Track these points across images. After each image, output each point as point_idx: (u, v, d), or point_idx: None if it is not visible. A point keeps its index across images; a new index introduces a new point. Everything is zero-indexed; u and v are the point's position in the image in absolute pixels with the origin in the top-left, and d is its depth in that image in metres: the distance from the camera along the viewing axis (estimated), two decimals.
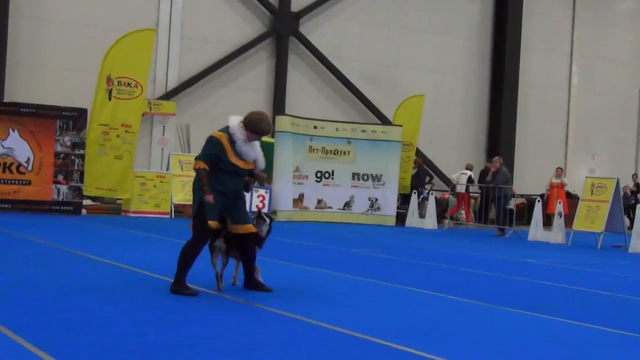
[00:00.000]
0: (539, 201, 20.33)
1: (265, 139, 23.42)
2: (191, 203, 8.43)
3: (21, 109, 19.46)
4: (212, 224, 7.98)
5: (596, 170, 30.11)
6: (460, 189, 25.27)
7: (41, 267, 9.80)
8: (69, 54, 23.55)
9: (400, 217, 23.26)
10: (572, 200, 25.27)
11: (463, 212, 25.33)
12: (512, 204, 21.96)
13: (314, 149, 22.53)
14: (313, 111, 25.17)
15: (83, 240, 13.72)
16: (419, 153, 26.60)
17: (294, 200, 22.09)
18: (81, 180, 19.84)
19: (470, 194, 25.99)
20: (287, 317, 7.14)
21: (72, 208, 19.69)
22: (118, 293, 7.99)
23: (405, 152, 24.54)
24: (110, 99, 20.21)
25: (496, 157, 22.67)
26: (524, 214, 25.80)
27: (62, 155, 19.66)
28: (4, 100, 21.10)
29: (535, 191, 27.22)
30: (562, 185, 25.69)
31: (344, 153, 22.82)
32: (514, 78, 29.79)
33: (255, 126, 8.12)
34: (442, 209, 24.30)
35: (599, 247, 18.10)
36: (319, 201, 22.59)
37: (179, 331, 6.30)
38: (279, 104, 26.10)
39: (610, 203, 18.39)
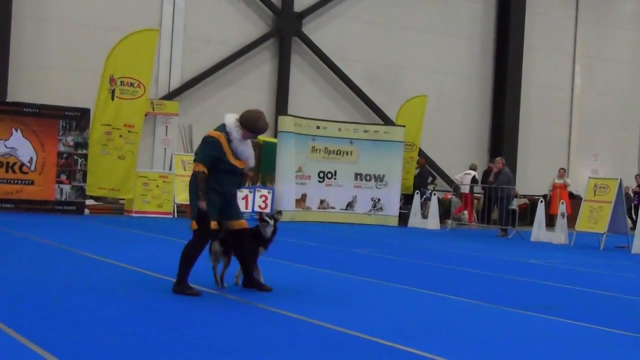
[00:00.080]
0: (541, 202, 20.31)
1: (267, 138, 23.55)
2: None
3: (24, 109, 19.48)
4: (213, 224, 7.98)
5: (599, 171, 30.07)
6: (464, 189, 25.26)
7: (44, 267, 9.81)
8: (71, 54, 23.57)
9: (403, 218, 23.24)
10: (574, 200, 25.25)
11: (466, 212, 25.31)
12: (515, 204, 21.95)
13: (316, 149, 22.52)
14: (316, 111, 25.17)
15: (85, 240, 13.73)
16: (421, 153, 26.60)
17: (297, 201, 22.09)
18: (84, 180, 19.87)
19: (474, 195, 25.96)
20: (289, 317, 7.15)
21: (74, 208, 19.71)
22: (120, 293, 8.00)
23: (407, 152, 24.53)
24: (113, 99, 20.24)
25: (498, 158, 22.66)
26: (527, 214, 25.75)
27: (64, 155, 19.68)
28: (7, 100, 21.12)
29: (538, 192, 27.20)
30: (565, 185, 25.66)
31: (347, 153, 22.82)
32: (516, 78, 29.77)
33: (252, 125, 8.10)
34: (444, 209, 24.28)
35: (601, 248, 18.08)
36: (322, 201, 22.58)
37: (180, 331, 6.31)
38: (281, 104, 26.11)
39: (613, 204, 18.37)
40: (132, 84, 20.38)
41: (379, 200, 22.96)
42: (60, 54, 23.52)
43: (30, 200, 19.25)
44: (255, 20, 26.29)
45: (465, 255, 14.81)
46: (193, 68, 25.24)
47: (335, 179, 22.72)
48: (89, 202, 20.78)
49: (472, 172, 25.78)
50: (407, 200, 24.40)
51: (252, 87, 26.15)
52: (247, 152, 8.16)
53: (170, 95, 24.81)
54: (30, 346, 5.48)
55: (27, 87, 22.83)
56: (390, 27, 28.24)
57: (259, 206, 21.35)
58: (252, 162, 8.27)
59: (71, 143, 19.74)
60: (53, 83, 23.18)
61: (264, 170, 22.96)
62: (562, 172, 26.12)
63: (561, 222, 19.36)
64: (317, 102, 26.89)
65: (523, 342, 6.70)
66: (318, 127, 22.64)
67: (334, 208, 22.70)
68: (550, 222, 21.73)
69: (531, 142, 30.46)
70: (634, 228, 18.80)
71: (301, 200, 22.23)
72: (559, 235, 19.18)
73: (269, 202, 21.59)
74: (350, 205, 22.84)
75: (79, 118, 19.85)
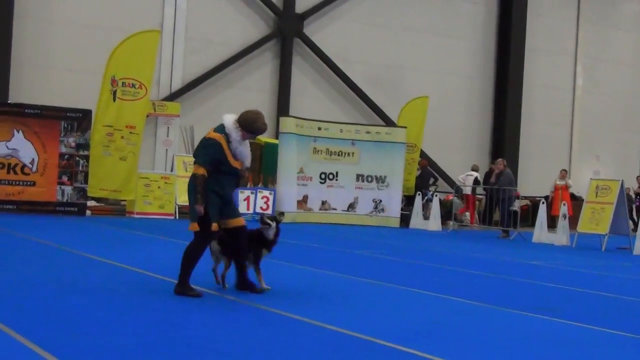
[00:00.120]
0: (543, 203, 20.30)
1: (269, 139, 23.55)
2: None
3: (26, 110, 19.47)
4: (215, 226, 7.98)
5: (600, 172, 30.07)
6: (466, 190, 25.24)
7: (45, 268, 9.81)
8: (73, 55, 23.60)
9: (405, 219, 23.23)
10: (576, 202, 25.25)
11: (467, 213, 25.30)
12: (517, 205, 21.93)
13: (318, 151, 22.52)
14: (317, 112, 25.16)
15: (87, 241, 13.73)
16: (423, 154, 26.60)
17: (298, 202, 22.08)
18: (85, 181, 19.86)
19: (476, 196, 25.95)
20: (290, 318, 7.14)
21: (76, 209, 19.70)
22: (121, 294, 8.00)
23: (409, 153, 24.53)
24: (114, 100, 20.23)
25: (499, 159, 22.65)
26: (529, 215, 25.76)
27: (66, 157, 19.68)
28: (8, 101, 21.13)
29: (540, 193, 27.20)
30: (567, 187, 25.64)
31: (348, 154, 22.81)
32: (518, 79, 29.77)
33: (251, 125, 8.09)
34: (446, 210, 24.26)
35: (603, 249, 18.07)
36: (323, 202, 22.57)
37: (180, 332, 6.31)
38: (283, 106, 26.12)
39: (614, 205, 18.36)
40: (133, 85, 20.38)
41: (381, 201, 22.95)
42: (61, 55, 23.54)
43: (32, 201, 19.25)
44: (257, 21, 26.31)
45: (467, 257, 14.81)
46: (194, 69, 25.26)
47: (336, 180, 22.71)
48: (90, 203, 20.78)
49: (475, 173, 25.77)
50: (408, 201, 24.39)
51: (253, 88, 26.15)
52: (246, 152, 8.16)
53: (172, 97, 24.82)
54: (30, 346, 5.48)
55: (29, 88, 22.85)
56: (392, 29, 28.24)
57: (261, 207, 21.35)
58: (248, 162, 8.25)
59: (73, 144, 19.74)
60: (55, 84, 23.20)
61: (266, 171, 22.96)
62: (564, 174, 26.10)
63: (563, 224, 19.34)
64: (319, 103, 26.89)
65: (524, 343, 6.69)
66: (319, 128, 22.63)
67: (335, 209, 22.69)
68: (552, 223, 21.72)
69: (533, 143, 30.46)
70: (635, 229, 18.83)
71: (303, 202, 22.22)
72: (561, 236, 19.16)
73: (270, 203, 21.59)
74: (351, 206, 22.83)
75: (80, 119, 19.84)
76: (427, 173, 25.83)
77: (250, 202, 21.39)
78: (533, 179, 29.60)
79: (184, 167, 21.46)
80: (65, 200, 19.64)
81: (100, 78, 20.41)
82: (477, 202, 25.84)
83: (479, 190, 25.35)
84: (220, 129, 8.06)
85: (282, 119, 22.66)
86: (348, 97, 27.46)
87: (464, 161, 28.14)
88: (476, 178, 25.46)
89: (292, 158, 21.96)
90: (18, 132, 19.16)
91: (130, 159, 20.43)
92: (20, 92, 22.61)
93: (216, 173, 7.96)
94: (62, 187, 19.61)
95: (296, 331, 6.69)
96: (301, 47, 26.73)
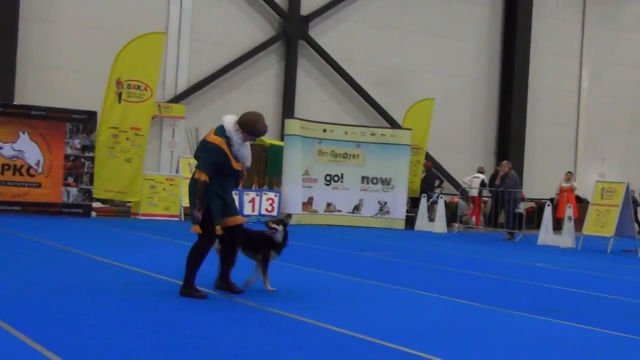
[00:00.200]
0: (548, 205, 20.26)
1: (274, 141, 23.56)
2: None
3: (31, 112, 19.52)
4: (218, 229, 7.97)
5: (606, 174, 30.00)
6: (472, 192, 25.21)
7: (50, 269, 9.83)
8: (79, 57, 23.64)
9: (410, 221, 23.23)
10: (581, 204, 25.21)
11: (474, 216, 25.27)
12: (522, 208, 21.90)
13: (323, 153, 22.53)
14: (322, 114, 25.16)
15: (92, 242, 13.75)
16: (428, 156, 26.57)
17: (303, 204, 22.09)
18: (91, 182, 19.89)
19: (482, 198, 25.93)
20: (295, 320, 7.15)
21: (81, 210, 19.74)
22: (127, 295, 8.01)
23: (414, 155, 24.51)
24: (120, 101, 20.27)
25: (504, 162, 22.62)
26: (534, 218, 25.72)
27: (72, 158, 19.72)
28: (14, 103, 21.17)
29: (545, 195, 27.15)
30: (572, 189, 25.59)
31: (354, 156, 22.82)
32: (523, 81, 29.74)
33: (251, 127, 8.07)
34: (451, 212, 24.24)
35: (608, 252, 18.04)
36: (328, 204, 22.58)
37: (185, 333, 6.32)
38: (288, 107, 26.12)
39: (620, 207, 18.34)
40: (139, 87, 20.41)
41: (386, 203, 22.95)
42: (67, 57, 23.58)
43: (38, 202, 19.28)
44: (262, 23, 26.33)
45: (472, 259, 14.79)
46: (200, 71, 25.28)
47: (342, 182, 22.72)
48: (95, 204, 20.81)
49: (481, 176, 25.74)
50: (413, 203, 24.38)
51: (258, 90, 26.16)
52: (246, 154, 8.14)
53: (177, 98, 24.85)
54: (35, 347, 5.50)
55: (34, 89, 22.89)
56: (397, 30, 28.23)
57: (266, 209, 21.37)
58: (249, 162, 8.24)
59: (78, 146, 19.78)
60: (60, 86, 23.24)
61: (271, 173, 22.97)
62: (569, 176, 26.05)
63: (568, 226, 19.32)
64: (324, 105, 26.89)
65: (528, 345, 6.69)
66: (325, 130, 22.64)
67: (340, 211, 22.70)
68: (558, 225, 21.68)
69: (538, 145, 30.42)
70: None
71: (308, 204, 22.23)
72: (566, 238, 19.13)
73: (275, 205, 21.60)
74: (357, 208, 22.83)
75: (86, 121, 19.89)
76: (432, 175, 25.80)
77: (255, 203, 21.40)
78: (538, 181, 29.56)
79: (190, 169, 21.45)
80: (70, 201, 19.68)
81: (106, 80, 20.46)
82: (482, 205, 25.81)
83: (485, 192, 25.33)
84: (221, 131, 8.02)
85: (287, 121, 22.67)
86: (353, 99, 27.46)
87: (469, 163, 28.12)
88: (482, 180, 25.44)
89: (297, 160, 21.97)
90: (24, 134, 19.21)
91: (135, 161, 20.46)
92: (26, 93, 22.66)
93: (218, 176, 7.94)
94: (68, 188, 19.64)
95: (300, 332, 6.70)
96: (306, 49, 26.74)
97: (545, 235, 19.72)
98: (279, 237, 8.54)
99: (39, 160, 19.34)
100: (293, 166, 21.93)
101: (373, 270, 11.96)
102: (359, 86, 27.22)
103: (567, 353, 6.48)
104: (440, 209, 22.75)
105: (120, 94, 20.27)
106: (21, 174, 19.17)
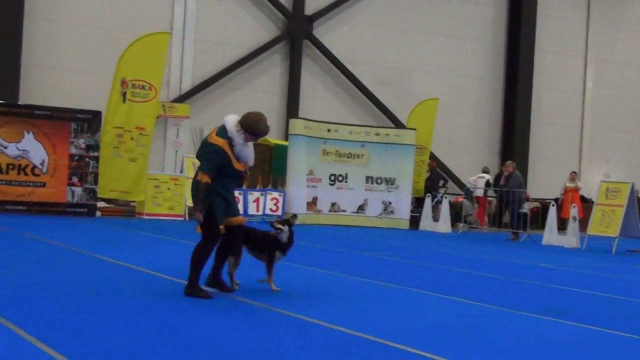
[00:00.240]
0: (553, 205, 20.25)
1: (278, 141, 23.56)
2: None
3: (36, 111, 19.54)
4: (222, 229, 7.97)
5: (611, 174, 29.96)
6: (477, 192, 25.18)
7: (54, 269, 9.84)
8: (83, 57, 23.67)
9: (414, 221, 23.22)
10: (586, 204, 25.18)
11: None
12: (526, 208, 21.88)
13: (327, 152, 22.53)
14: (327, 114, 25.17)
15: (97, 242, 13.76)
16: (432, 156, 26.56)
17: (308, 204, 22.09)
18: (95, 182, 19.91)
19: (487, 198, 25.90)
20: (298, 319, 7.15)
21: (86, 210, 19.76)
22: (131, 294, 8.01)
23: (419, 155, 24.50)
24: (124, 101, 20.29)
25: (509, 162, 22.59)
26: (538, 218, 25.69)
27: (76, 158, 19.74)
28: (18, 103, 21.20)
29: (550, 195, 27.13)
30: (577, 189, 25.58)
31: (358, 156, 22.81)
32: (527, 81, 29.72)
33: (253, 128, 8.06)
34: (456, 212, 24.22)
35: (613, 252, 18.02)
36: (333, 204, 22.58)
37: (189, 332, 6.33)
38: (292, 107, 26.13)
39: (625, 207, 18.31)
40: (143, 87, 20.43)
41: (390, 203, 22.94)
42: (71, 57, 23.62)
43: (42, 202, 19.30)
44: (266, 23, 26.34)
45: (476, 259, 14.78)
46: (204, 71, 25.31)
47: (346, 182, 22.72)
48: (100, 204, 20.83)
49: (486, 176, 25.72)
50: (418, 203, 24.38)
51: (262, 90, 26.18)
52: (249, 154, 8.12)
53: (182, 98, 24.87)
54: (40, 346, 5.50)
55: (39, 89, 22.93)
56: (401, 30, 28.23)
57: (270, 209, 21.37)
58: (252, 161, 8.22)
59: (83, 145, 19.79)
60: (65, 85, 23.28)
61: (275, 173, 22.98)
62: (574, 176, 26.03)
63: (573, 226, 19.30)
64: (328, 105, 26.90)
65: (532, 345, 6.68)
66: (329, 130, 22.64)
67: (345, 211, 22.70)
68: (562, 225, 21.67)
69: (542, 145, 30.39)
70: None
71: (312, 203, 22.23)
72: (571, 239, 19.11)
73: (280, 204, 21.60)
74: (361, 208, 22.82)
75: (90, 120, 19.90)
76: (437, 175, 25.79)
77: (259, 203, 21.41)
78: (543, 181, 29.54)
79: (194, 168, 21.43)
80: (75, 201, 19.69)
81: (110, 80, 20.47)
82: (487, 204, 25.79)
83: (490, 192, 25.31)
84: (222, 132, 8.01)
85: (292, 121, 22.66)
86: (357, 99, 27.47)
87: (473, 163, 28.10)
88: (487, 180, 25.42)
89: (302, 160, 21.97)
90: (28, 134, 19.23)
91: (140, 160, 20.48)
92: (31, 93, 22.70)
93: (220, 176, 7.94)
94: (72, 188, 19.66)
95: (304, 332, 6.70)
96: (310, 49, 26.75)
97: (550, 235, 19.70)
98: (284, 237, 8.53)
99: (43, 160, 19.36)
100: (297, 166, 21.93)
101: (377, 270, 11.96)
102: (363, 86, 27.22)
103: (572, 353, 6.48)
104: (445, 209, 22.73)
105: (124, 94, 20.29)
106: (26, 174, 19.19)
